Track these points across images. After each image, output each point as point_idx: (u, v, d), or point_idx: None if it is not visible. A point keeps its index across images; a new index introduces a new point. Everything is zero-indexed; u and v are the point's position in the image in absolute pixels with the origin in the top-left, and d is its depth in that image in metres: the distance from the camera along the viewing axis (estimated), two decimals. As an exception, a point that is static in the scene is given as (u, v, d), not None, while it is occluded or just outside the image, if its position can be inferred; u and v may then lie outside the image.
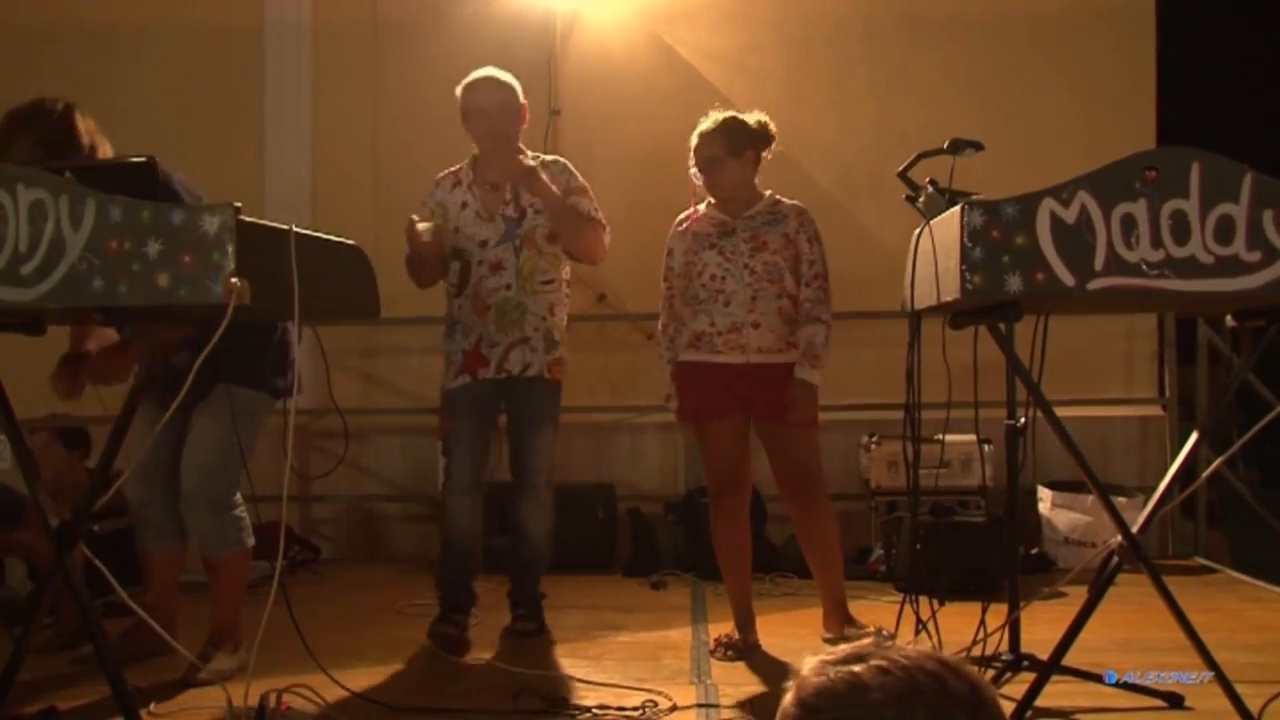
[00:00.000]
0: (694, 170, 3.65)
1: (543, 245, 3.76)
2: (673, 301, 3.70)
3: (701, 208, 3.70)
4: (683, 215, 3.73)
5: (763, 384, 3.56)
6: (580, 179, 3.84)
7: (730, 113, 3.65)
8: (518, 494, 3.84)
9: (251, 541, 3.42)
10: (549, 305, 3.79)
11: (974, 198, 2.64)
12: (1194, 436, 2.97)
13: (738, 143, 3.59)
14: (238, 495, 3.37)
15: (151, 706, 3.01)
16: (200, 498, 3.31)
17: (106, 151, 3.29)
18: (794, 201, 3.70)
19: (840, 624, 3.69)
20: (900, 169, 3.28)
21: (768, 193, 3.69)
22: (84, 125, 3.26)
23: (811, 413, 3.58)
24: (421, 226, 3.63)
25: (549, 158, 3.87)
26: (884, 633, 3.42)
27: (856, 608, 3.81)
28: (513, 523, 3.90)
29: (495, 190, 3.76)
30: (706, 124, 3.63)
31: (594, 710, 3.00)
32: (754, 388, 3.56)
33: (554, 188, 3.72)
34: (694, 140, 3.63)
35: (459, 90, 3.76)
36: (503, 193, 3.76)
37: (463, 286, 3.76)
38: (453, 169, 3.85)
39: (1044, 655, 2.89)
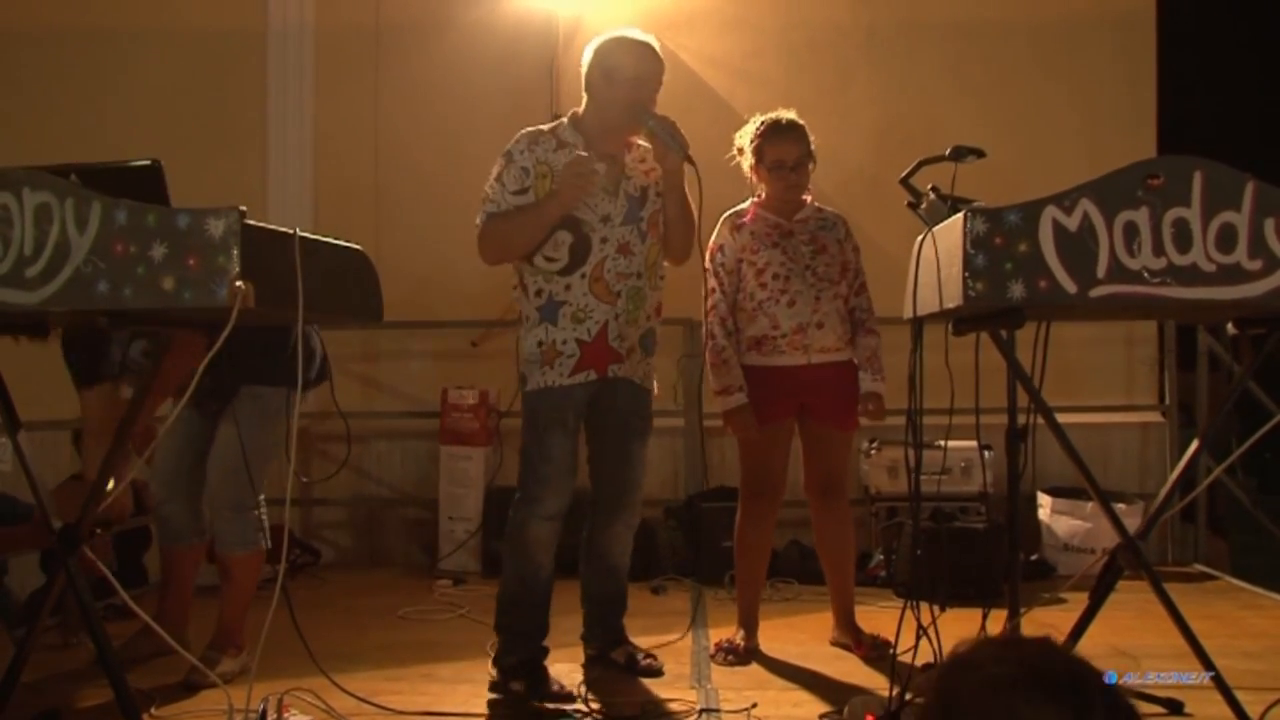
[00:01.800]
0: (753, 165, 3.62)
1: (661, 233, 3.34)
2: (725, 297, 3.60)
3: (744, 205, 3.69)
4: (736, 210, 3.68)
5: (820, 386, 3.59)
6: None
7: (792, 113, 3.65)
8: (610, 516, 3.43)
9: (267, 545, 3.47)
10: (658, 305, 3.39)
11: (976, 204, 2.65)
12: (1195, 444, 2.97)
13: (810, 145, 3.62)
14: (260, 497, 3.42)
15: (153, 710, 3.02)
16: (223, 499, 3.38)
17: None
18: (833, 209, 3.76)
19: (851, 629, 3.69)
20: (902, 175, 3.29)
21: (808, 198, 3.70)
22: None
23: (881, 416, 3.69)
24: (600, 166, 3.18)
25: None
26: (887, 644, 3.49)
27: (857, 613, 3.80)
28: (598, 550, 3.48)
29: (615, 163, 3.29)
30: (785, 120, 3.61)
31: (594, 714, 3.00)
32: (809, 393, 3.59)
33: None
34: (768, 137, 3.59)
35: (609, 43, 3.27)
36: (622, 166, 3.30)
37: (577, 263, 3.21)
38: (544, 127, 3.33)
39: (1044, 661, 2.89)
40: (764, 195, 3.66)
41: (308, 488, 5.54)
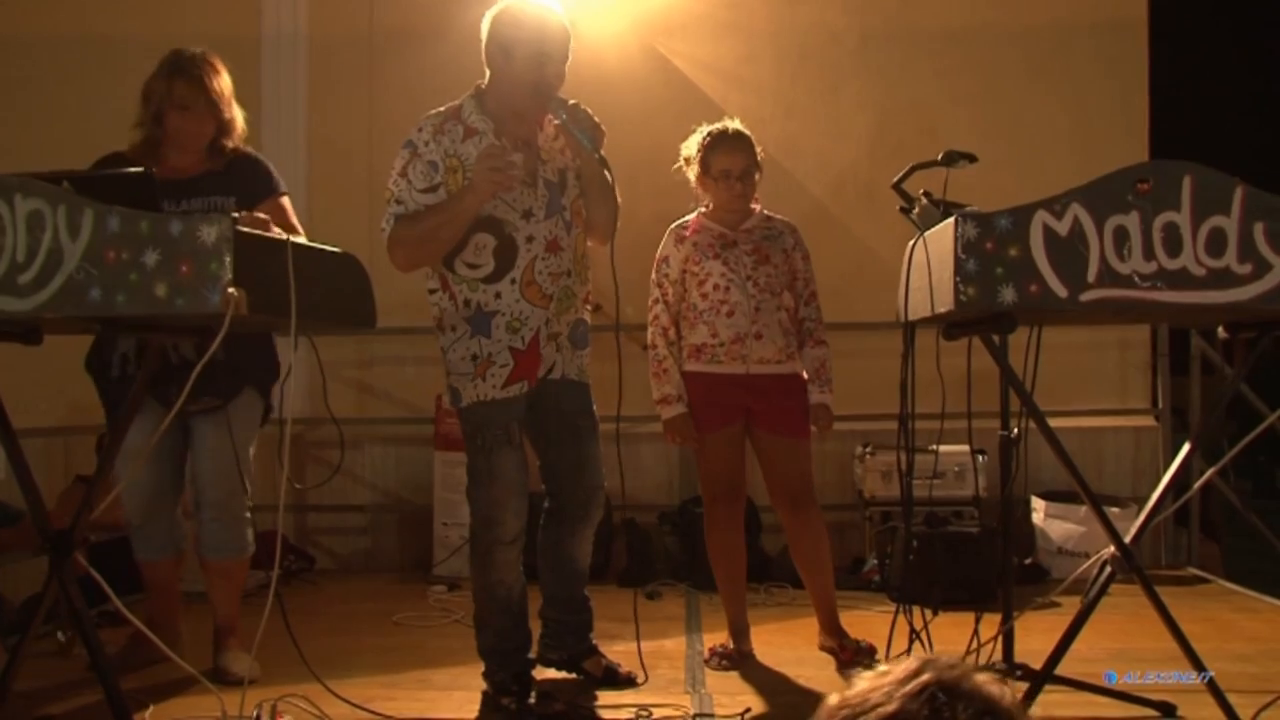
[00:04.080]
0: (699, 175, 3.62)
1: (585, 219, 3.17)
2: (667, 308, 3.64)
3: (690, 217, 3.71)
4: (681, 222, 3.70)
5: (762, 394, 3.58)
6: None
7: (738, 123, 3.65)
8: (580, 523, 3.30)
9: (254, 547, 3.50)
10: (586, 294, 3.25)
11: (968, 210, 2.66)
12: (1187, 447, 2.98)
13: (756, 155, 3.62)
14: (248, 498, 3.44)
15: (147, 715, 3.01)
16: (228, 509, 3.39)
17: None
18: (784, 217, 3.74)
19: (836, 635, 3.70)
20: (894, 180, 3.30)
21: (757, 207, 3.70)
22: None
23: (828, 426, 3.66)
24: (517, 157, 2.95)
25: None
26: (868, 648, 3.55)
27: (851, 618, 3.81)
28: (566, 556, 3.32)
29: (529, 148, 3.07)
30: (732, 131, 3.60)
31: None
32: (753, 398, 3.58)
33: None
34: (715, 147, 3.58)
35: (506, 12, 3.04)
36: (537, 151, 3.10)
37: (505, 268, 3.02)
38: (444, 109, 3.09)
39: (1037, 665, 2.90)
40: (710, 205, 3.67)
41: (302, 493, 5.54)
